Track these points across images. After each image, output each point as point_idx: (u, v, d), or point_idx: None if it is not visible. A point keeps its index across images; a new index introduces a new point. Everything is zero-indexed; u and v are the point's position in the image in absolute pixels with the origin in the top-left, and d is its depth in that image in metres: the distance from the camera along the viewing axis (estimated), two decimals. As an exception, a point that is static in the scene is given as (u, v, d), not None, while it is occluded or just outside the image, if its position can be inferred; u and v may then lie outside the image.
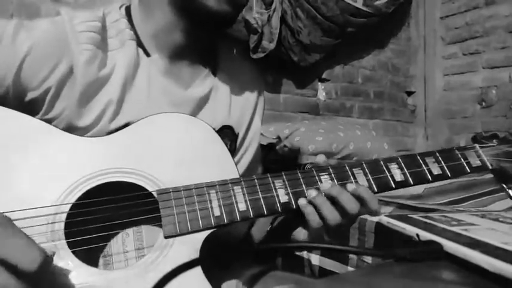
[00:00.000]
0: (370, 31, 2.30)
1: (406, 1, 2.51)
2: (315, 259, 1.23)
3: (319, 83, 2.30)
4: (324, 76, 2.30)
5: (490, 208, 1.26)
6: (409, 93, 2.76)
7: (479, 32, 2.48)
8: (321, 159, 0.62)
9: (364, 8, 2.11)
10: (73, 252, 0.48)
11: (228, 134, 0.70)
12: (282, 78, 2.15)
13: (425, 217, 0.52)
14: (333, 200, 0.54)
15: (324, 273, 1.19)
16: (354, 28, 2.14)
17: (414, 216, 0.53)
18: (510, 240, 0.39)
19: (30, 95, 0.58)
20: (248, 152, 0.76)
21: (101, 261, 0.54)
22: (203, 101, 0.68)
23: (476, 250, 0.36)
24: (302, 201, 0.54)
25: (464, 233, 0.43)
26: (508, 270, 0.32)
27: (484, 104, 2.46)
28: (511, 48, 2.34)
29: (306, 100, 2.24)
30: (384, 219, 0.51)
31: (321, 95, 2.30)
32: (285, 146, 1.74)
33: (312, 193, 0.54)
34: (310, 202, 0.54)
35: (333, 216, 0.53)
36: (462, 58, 2.59)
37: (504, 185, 0.65)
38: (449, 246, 0.39)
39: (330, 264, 1.19)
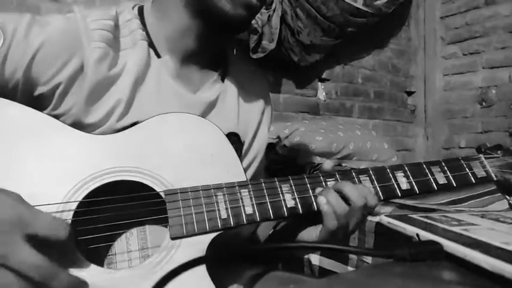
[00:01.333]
0: (370, 31, 2.30)
1: (406, 1, 2.51)
2: (315, 259, 1.23)
3: (319, 83, 2.30)
4: (324, 76, 2.30)
5: (490, 208, 1.26)
6: (409, 93, 2.76)
7: (479, 32, 2.48)
8: (328, 165, 0.62)
9: (364, 8, 2.11)
10: (79, 250, 0.48)
11: (234, 142, 0.70)
12: (282, 78, 2.15)
13: (426, 217, 0.52)
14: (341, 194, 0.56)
15: (324, 273, 1.19)
16: (354, 28, 2.14)
17: (414, 216, 0.53)
18: (510, 240, 0.39)
19: (39, 90, 0.58)
20: (256, 160, 0.76)
21: (105, 260, 0.54)
22: (211, 106, 0.68)
23: (476, 250, 0.35)
24: (322, 199, 0.55)
25: (464, 233, 0.43)
26: (508, 270, 0.32)
27: (484, 104, 2.46)
28: (511, 48, 2.34)
29: (306, 100, 2.24)
30: (384, 219, 0.51)
31: (321, 95, 2.30)
32: (284, 146, 1.74)
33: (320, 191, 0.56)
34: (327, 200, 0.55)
35: (342, 207, 0.55)
36: (462, 58, 2.59)
37: (507, 197, 0.66)
38: (450, 246, 0.38)
39: (330, 264, 1.19)
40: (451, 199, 1.37)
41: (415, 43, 2.76)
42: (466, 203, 1.32)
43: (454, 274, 0.36)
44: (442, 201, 1.33)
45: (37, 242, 0.41)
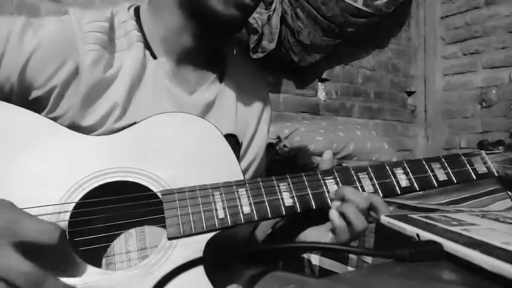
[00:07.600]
0: (370, 31, 2.30)
1: (406, 1, 2.51)
2: (315, 259, 1.23)
3: (319, 83, 2.30)
4: (324, 76, 2.30)
5: (490, 208, 1.26)
6: (409, 93, 2.76)
7: (479, 32, 2.48)
8: (327, 155, 0.61)
9: (364, 8, 2.11)
10: (76, 251, 0.48)
11: (231, 143, 0.70)
12: (282, 78, 2.15)
13: (426, 217, 0.52)
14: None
15: (324, 273, 1.19)
16: (354, 28, 2.14)
17: (414, 216, 0.53)
18: (510, 240, 0.39)
19: (34, 94, 0.57)
20: (256, 160, 0.75)
21: (104, 260, 0.54)
22: (208, 107, 0.68)
23: (476, 250, 0.35)
24: (335, 214, 0.54)
25: (464, 233, 0.43)
26: (508, 270, 0.32)
27: (484, 104, 2.46)
28: (511, 48, 2.34)
29: (306, 100, 2.24)
30: (384, 219, 0.51)
31: (321, 95, 2.30)
32: (285, 146, 1.74)
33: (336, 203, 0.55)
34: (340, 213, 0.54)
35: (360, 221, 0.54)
36: (462, 58, 2.58)
37: (510, 193, 0.65)
38: (450, 246, 0.38)
39: (330, 264, 1.19)
40: (451, 199, 1.36)
41: (415, 43, 2.76)
42: (466, 203, 1.32)
43: (454, 274, 0.36)
44: (442, 201, 1.33)
45: (27, 248, 0.41)
